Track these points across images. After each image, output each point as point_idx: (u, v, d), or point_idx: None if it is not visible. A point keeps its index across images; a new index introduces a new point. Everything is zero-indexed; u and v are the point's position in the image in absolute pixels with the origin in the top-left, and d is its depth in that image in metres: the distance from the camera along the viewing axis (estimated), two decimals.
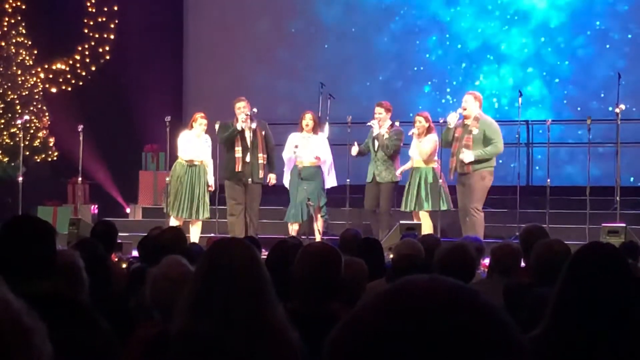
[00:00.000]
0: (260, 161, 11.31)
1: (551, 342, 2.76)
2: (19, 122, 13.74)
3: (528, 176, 13.72)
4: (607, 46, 14.36)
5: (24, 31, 15.07)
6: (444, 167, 11.13)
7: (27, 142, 14.26)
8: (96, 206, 13.93)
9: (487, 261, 6.92)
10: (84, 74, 15.41)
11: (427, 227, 10.69)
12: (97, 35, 15.49)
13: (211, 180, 11.50)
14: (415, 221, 10.95)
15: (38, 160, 14.92)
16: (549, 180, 11.61)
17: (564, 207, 12.20)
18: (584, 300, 2.78)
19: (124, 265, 7.60)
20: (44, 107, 15.07)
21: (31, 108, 14.84)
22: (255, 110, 11.35)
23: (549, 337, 2.78)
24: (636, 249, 7.43)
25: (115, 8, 15.46)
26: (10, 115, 14.63)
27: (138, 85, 14.71)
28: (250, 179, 11.18)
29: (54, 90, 15.32)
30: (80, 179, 13.08)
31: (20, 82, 14.87)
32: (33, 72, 15.10)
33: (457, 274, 4.48)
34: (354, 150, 11.42)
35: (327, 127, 12.22)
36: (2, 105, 14.69)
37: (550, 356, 2.72)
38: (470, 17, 14.91)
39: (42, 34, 15.15)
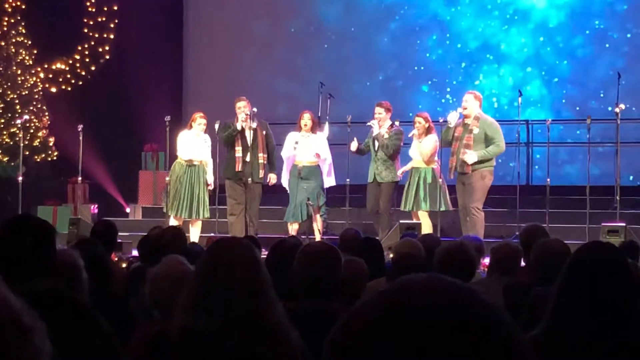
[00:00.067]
0: (261, 161, 11.31)
1: (551, 341, 2.76)
2: (18, 121, 13.74)
3: (528, 176, 13.72)
4: (607, 45, 14.36)
5: (23, 31, 15.07)
6: (443, 166, 11.13)
7: (27, 142, 14.27)
8: (96, 206, 13.93)
9: (487, 261, 6.91)
10: (83, 73, 15.41)
11: (426, 227, 10.69)
12: (97, 35, 15.49)
13: (210, 179, 11.50)
14: (415, 221, 10.95)
15: (38, 160, 14.93)
16: (548, 179, 11.61)
17: (564, 207, 12.20)
18: (584, 300, 2.78)
19: (124, 265, 7.61)
20: (44, 107, 15.08)
21: (31, 108, 14.84)
22: (255, 110, 11.35)
23: (549, 337, 2.78)
24: (636, 249, 7.43)
25: (115, 8, 15.46)
26: (10, 114, 14.63)
27: (138, 85, 14.71)
28: (250, 179, 11.19)
29: (53, 90, 15.32)
30: (80, 178, 13.07)
31: (20, 81, 14.87)
32: (33, 71, 15.10)
33: (457, 274, 4.48)
34: (354, 145, 11.42)
35: (327, 126, 12.22)
36: (2, 105, 14.70)
37: (550, 356, 2.72)
38: (470, 17, 14.91)
39: (42, 33, 15.16)
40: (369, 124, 11.43)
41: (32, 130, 14.70)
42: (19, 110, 14.59)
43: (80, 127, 12.64)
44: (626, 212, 11.34)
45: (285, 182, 11.50)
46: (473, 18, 14.90)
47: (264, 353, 2.78)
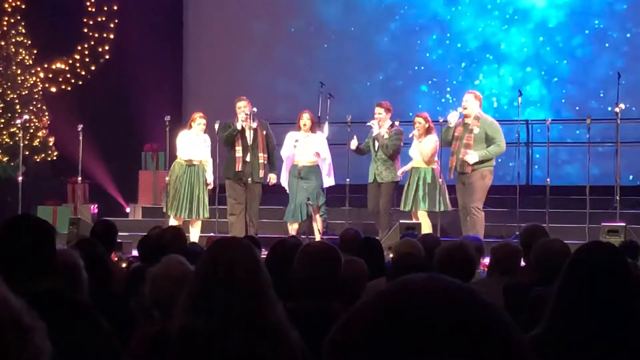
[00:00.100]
0: (261, 161, 11.32)
1: (551, 341, 2.76)
2: (18, 121, 13.74)
3: (528, 175, 13.72)
4: (607, 45, 14.36)
5: (23, 31, 15.08)
6: (443, 166, 11.13)
7: (26, 142, 14.27)
8: (96, 206, 13.93)
9: (487, 260, 6.92)
10: (83, 73, 15.41)
11: (425, 227, 10.69)
12: (97, 35, 15.49)
13: (210, 178, 11.50)
14: (414, 221, 10.95)
15: (38, 159, 14.93)
16: (548, 179, 11.61)
17: (564, 207, 12.20)
18: (584, 300, 2.78)
19: (124, 265, 7.61)
20: (44, 107, 15.08)
21: (31, 107, 14.85)
22: (255, 109, 11.35)
23: (549, 337, 2.78)
24: (636, 248, 7.43)
25: (115, 8, 15.46)
26: (10, 114, 14.64)
27: (138, 85, 14.71)
28: (250, 179, 11.19)
29: (53, 89, 15.32)
30: (80, 178, 13.08)
31: (20, 81, 14.87)
32: (33, 71, 15.10)
33: (457, 274, 4.48)
34: (353, 143, 11.43)
35: (326, 126, 12.22)
36: (1, 105, 14.70)
37: (550, 356, 2.72)
38: (470, 17, 14.91)
39: (42, 33, 15.15)
40: (368, 124, 11.43)
41: (32, 130, 14.70)
42: (19, 110, 14.59)
43: (80, 127, 12.64)
44: (626, 212, 11.34)
45: (284, 182, 11.51)
46: (473, 18, 14.90)
47: (264, 353, 2.78)
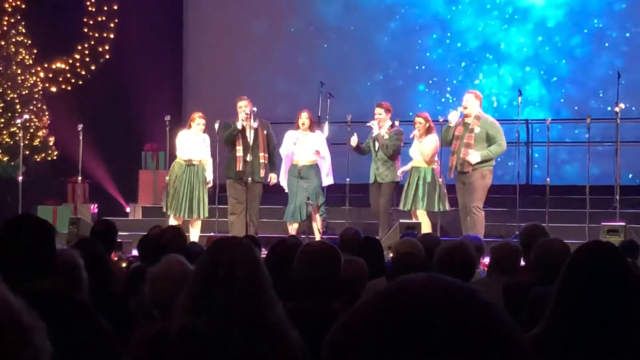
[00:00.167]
0: (262, 160, 11.32)
1: (551, 341, 2.77)
2: (18, 121, 13.75)
3: (528, 175, 13.72)
4: (606, 45, 14.36)
5: (23, 30, 15.08)
6: (443, 165, 11.13)
7: (27, 142, 14.27)
8: (96, 205, 13.93)
9: (487, 260, 6.92)
10: (83, 73, 15.41)
11: (425, 226, 10.70)
12: (97, 35, 15.49)
13: (210, 176, 11.50)
14: (414, 220, 10.96)
15: (38, 159, 14.93)
16: (548, 179, 11.62)
17: (564, 206, 12.20)
18: (584, 300, 2.78)
19: (124, 265, 7.61)
20: (44, 107, 15.08)
21: (31, 107, 14.85)
22: (255, 109, 11.35)
23: (549, 337, 2.78)
24: (636, 248, 7.44)
25: (115, 7, 15.47)
26: (10, 114, 14.64)
27: (138, 85, 14.71)
28: (250, 178, 11.19)
29: (53, 89, 15.32)
30: (80, 178, 13.08)
31: (20, 81, 14.88)
32: (33, 71, 15.10)
33: (457, 273, 4.48)
34: (353, 140, 11.43)
35: (327, 126, 12.22)
36: (2, 105, 14.70)
37: (550, 355, 2.72)
38: (470, 16, 14.91)
39: (42, 33, 15.15)
40: (368, 124, 11.43)
41: (32, 130, 14.70)
42: (19, 110, 14.60)
43: (80, 126, 12.64)
44: (626, 212, 11.34)
45: (283, 182, 11.50)
46: (473, 17, 14.90)
47: (264, 353, 2.78)
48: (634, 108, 13.57)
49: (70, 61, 15.39)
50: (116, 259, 8.19)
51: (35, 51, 15.15)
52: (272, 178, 11.48)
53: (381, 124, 11.30)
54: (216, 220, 11.82)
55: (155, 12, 15.49)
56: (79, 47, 15.42)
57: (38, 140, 14.86)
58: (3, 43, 14.84)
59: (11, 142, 14.48)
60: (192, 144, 11.38)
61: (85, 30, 15.44)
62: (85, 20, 15.45)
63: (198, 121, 11.39)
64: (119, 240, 8.96)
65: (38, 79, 15.13)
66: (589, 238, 9.53)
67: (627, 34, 14.37)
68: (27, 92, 14.90)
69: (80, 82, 15.38)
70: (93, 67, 15.43)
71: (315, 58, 15.27)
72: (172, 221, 11.08)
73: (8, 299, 1.28)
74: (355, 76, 15.15)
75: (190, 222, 11.41)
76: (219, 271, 2.85)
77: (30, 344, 1.27)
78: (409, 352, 1.08)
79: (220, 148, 11.67)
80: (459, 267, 4.75)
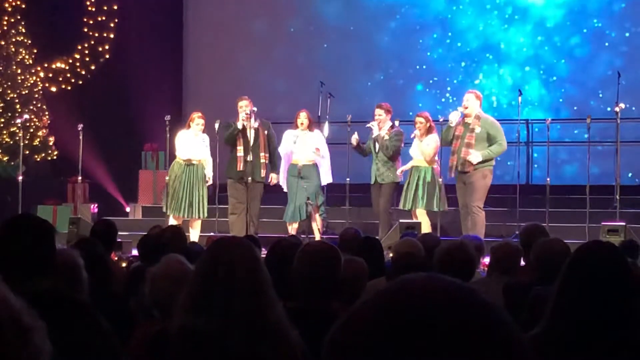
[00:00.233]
0: (262, 160, 11.31)
1: (551, 341, 2.77)
2: (18, 121, 13.75)
3: (528, 175, 13.72)
4: (606, 44, 14.36)
5: (23, 30, 15.08)
6: (443, 165, 11.13)
7: (27, 141, 14.27)
8: (96, 205, 13.93)
9: (487, 260, 6.92)
10: (83, 73, 15.42)
11: (425, 226, 10.70)
12: (97, 34, 15.50)
13: (210, 174, 11.49)
14: (414, 220, 10.96)
15: (38, 159, 14.93)
16: (548, 179, 11.62)
17: (564, 206, 12.20)
18: (584, 300, 2.78)
19: (124, 264, 7.61)
20: (44, 106, 15.08)
21: (31, 107, 14.85)
22: (255, 109, 11.35)
23: (549, 336, 2.78)
24: (636, 248, 7.44)
25: (115, 7, 15.47)
26: (10, 114, 14.64)
27: (138, 85, 14.71)
28: (250, 178, 11.19)
29: (53, 89, 15.32)
30: (80, 178, 13.09)
31: (20, 81, 14.88)
32: (33, 71, 15.10)
33: (457, 273, 4.48)
34: (354, 139, 11.42)
35: (327, 126, 12.23)
36: (2, 105, 14.70)
37: (550, 355, 2.72)
38: (470, 16, 14.91)
39: (42, 33, 15.16)
40: (368, 125, 11.43)
41: (32, 130, 14.70)
42: (19, 110, 14.60)
43: (80, 126, 12.65)
44: (626, 212, 11.34)
45: (282, 181, 11.50)
46: (473, 17, 14.90)
47: (264, 353, 2.78)
48: (634, 108, 13.57)
49: (70, 61, 15.39)
50: (116, 259, 8.19)
51: (35, 51, 15.15)
52: (273, 178, 11.48)
53: (381, 125, 11.30)
54: (216, 220, 11.82)
55: (155, 12, 15.49)
56: (79, 47, 15.42)
57: (38, 140, 14.86)
58: (3, 43, 14.84)
59: (11, 142, 14.48)
60: (191, 143, 11.38)
61: (85, 30, 15.44)
62: (85, 20, 15.46)
63: (197, 121, 11.39)
64: (119, 240, 8.96)
65: (38, 79, 15.13)
66: (589, 238, 9.53)
67: (627, 34, 14.37)
68: (27, 92, 14.90)
69: (80, 82, 15.39)
70: (93, 67, 15.43)
71: (315, 58, 15.27)
72: (172, 221, 11.08)
73: (8, 299, 1.28)
74: (355, 76, 15.15)
75: (190, 222, 11.41)
76: (219, 271, 2.85)
77: (30, 344, 1.27)
78: (409, 352, 1.08)
79: (220, 148, 11.67)
80: (459, 267, 4.75)
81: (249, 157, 11.20)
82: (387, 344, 1.09)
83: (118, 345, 3.08)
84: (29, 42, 15.10)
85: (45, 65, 15.25)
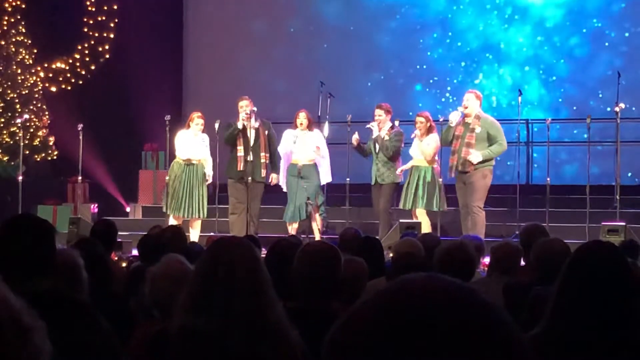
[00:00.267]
0: (263, 160, 11.31)
1: (551, 341, 2.76)
2: (18, 121, 13.75)
3: (528, 175, 13.72)
4: (606, 44, 14.36)
5: (23, 30, 15.08)
6: (443, 165, 11.13)
7: (27, 141, 14.27)
8: (96, 205, 13.93)
9: (487, 260, 6.92)
10: (83, 73, 15.42)
11: (425, 226, 10.70)
12: (97, 34, 15.50)
13: (210, 172, 11.49)
14: (415, 220, 10.96)
15: (38, 159, 14.93)
16: (548, 179, 11.62)
17: (564, 206, 12.20)
18: (584, 300, 2.78)
19: (124, 264, 7.60)
20: (44, 106, 15.08)
21: (31, 107, 14.85)
22: (255, 109, 11.35)
23: (549, 336, 2.78)
24: (636, 248, 7.43)
25: (115, 7, 15.47)
26: (10, 114, 14.64)
27: (138, 85, 14.71)
28: (251, 178, 11.18)
29: (53, 89, 15.32)
30: (80, 178, 13.09)
31: (20, 81, 14.88)
32: (33, 71, 15.11)
33: (457, 273, 4.48)
34: (355, 139, 11.42)
35: (327, 126, 12.22)
36: (2, 104, 14.70)
37: (550, 355, 2.72)
38: (470, 16, 14.91)
39: (42, 32, 15.16)
40: (368, 126, 11.43)
41: (32, 130, 14.70)
42: (19, 110, 14.60)
43: (80, 126, 12.65)
44: (626, 212, 11.34)
45: (282, 181, 11.49)
46: (473, 17, 14.90)
47: (264, 353, 2.78)
48: (634, 108, 13.57)
49: (70, 61, 15.39)
50: (116, 259, 8.19)
51: (35, 51, 15.15)
52: (274, 178, 11.47)
53: (381, 126, 11.30)
54: (216, 220, 11.82)
55: (155, 12, 15.49)
56: (79, 47, 15.42)
57: (38, 140, 14.86)
58: (3, 43, 14.84)
59: (11, 142, 14.48)
60: (191, 143, 11.38)
61: (85, 30, 15.45)
62: (85, 20, 15.46)
63: (197, 121, 11.39)
64: (119, 240, 8.95)
65: (38, 79, 15.13)
66: (589, 238, 9.53)
67: (626, 34, 14.36)
68: (27, 92, 14.90)
69: (80, 82, 15.39)
70: (93, 67, 15.44)
71: (315, 58, 15.27)
72: (172, 221, 11.08)
73: (8, 299, 1.28)
74: (355, 76, 15.15)
75: (190, 222, 11.41)
76: (219, 271, 2.85)
77: (30, 344, 1.27)
78: (409, 352, 1.08)
79: (220, 148, 11.67)
80: (459, 267, 4.75)
81: (250, 157, 11.20)
82: (387, 344, 1.09)
83: (118, 345, 3.08)
84: (29, 42, 15.10)
85: (45, 65, 15.25)
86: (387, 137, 11.21)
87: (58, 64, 15.33)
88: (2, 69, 14.78)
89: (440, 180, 11.08)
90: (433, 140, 11.11)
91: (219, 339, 2.77)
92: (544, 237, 5.78)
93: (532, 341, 2.68)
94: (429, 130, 11.17)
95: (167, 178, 11.60)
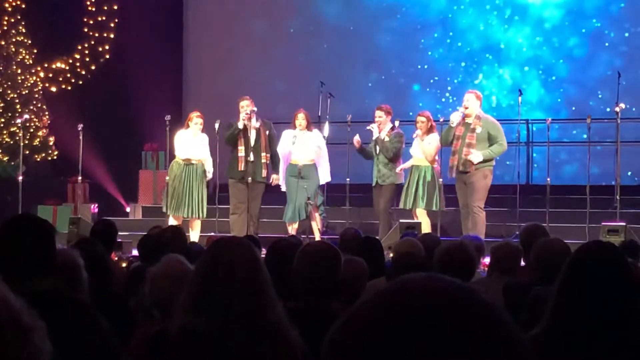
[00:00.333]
0: (263, 160, 11.31)
1: (551, 341, 2.76)
2: (18, 121, 13.76)
3: (528, 175, 13.72)
4: (606, 44, 14.36)
5: (23, 30, 15.08)
6: (444, 165, 11.13)
7: (27, 141, 14.27)
8: (96, 205, 13.93)
9: (487, 260, 6.92)
10: (83, 73, 15.42)
11: (425, 226, 10.71)
12: (97, 34, 15.50)
13: (210, 169, 11.48)
14: (415, 220, 10.97)
15: (38, 159, 14.93)
16: (548, 179, 11.62)
17: (564, 206, 12.20)
18: (584, 300, 2.78)
19: (124, 265, 7.61)
20: (44, 106, 15.08)
21: (31, 107, 14.85)
22: (255, 109, 11.34)
23: (549, 336, 2.78)
24: (636, 248, 7.43)
25: (115, 7, 15.47)
26: (10, 114, 14.64)
27: (138, 85, 14.71)
28: (251, 178, 11.18)
29: (53, 89, 15.32)
30: (80, 178, 13.09)
31: (20, 81, 14.88)
32: (33, 71, 15.10)
33: (457, 273, 4.48)
34: (356, 141, 11.41)
35: (327, 126, 12.22)
36: (2, 105, 14.70)
37: (550, 355, 2.72)
38: (470, 16, 14.91)
39: (42, 33, 15.16)
40: (368, 128, 11.43)
41: (32, 130, 14.70)
42: (19, 110, 14.60)
43: (80, 126, 12.65)
44: (626, 212, 11.34)
45: (281, 181, 11.48)
46: (473, 17, 14.90)
47: (264, 353, 2.78)
48: (634, 108, 13.57)
49: (70, 61, 15.39)
50: (116, 259, 8.19)
51: (35, 51, 15.15)
52: (274, 179, 11.47)
53: (381, 127, 11.30)
54: (216, 220, 11.82)
55: (155, 12, 15.49)
56: (79, 47, 15.42)
57: (38, 140, 14.86)
58: (3, 43, 14.84)
59: (11, 142, 14.48)
60: (190, 143, 11.38)
61: (85, 30, 15.44)
62: (85, 20, 15.45)
63: (196, 120, 11.39)
64: (119, 240, 8.96)
65: (38, 79, 15.13)
66: (589, 238, 9.53)
67: (626, 34, 14.36)
68: (27, 92, 14.90)
69: (80, 82, 15.39)
70: (93, 67, 15.43)
71: (315, 58, 15.27)
72: (172, 221, 11.07)
73: (8, 299, 1.28)
74: (355, 76, 15.15)
75: (190, 222, 11.40)
76: (219, 271, 2.85)
77: (30, 344, 1.27)
78: (409, 352, 1.08)
79: (220, 148, 11.66)
80: (459, 267, 4.75)
81: (251, 157, 11.20)
82: (387, 344, 1.09)
83: (118, 345, 3.08)
84: (29, 42, 15.10)
85: (45, 65, 15.25)
86: (387, 139, 11.21)
87: (58, 64, 15.33)
88: (2, 69, 14.78)
89: (440, 180, 11.08)
90: (434, 140, 11.12)
91: (219, 339, 2.77)
92: (544, 237, 5.78)
93: (532, 341, 2.68)
94: (429, 130, 11.18)
95: (167, 178, 11.60)
